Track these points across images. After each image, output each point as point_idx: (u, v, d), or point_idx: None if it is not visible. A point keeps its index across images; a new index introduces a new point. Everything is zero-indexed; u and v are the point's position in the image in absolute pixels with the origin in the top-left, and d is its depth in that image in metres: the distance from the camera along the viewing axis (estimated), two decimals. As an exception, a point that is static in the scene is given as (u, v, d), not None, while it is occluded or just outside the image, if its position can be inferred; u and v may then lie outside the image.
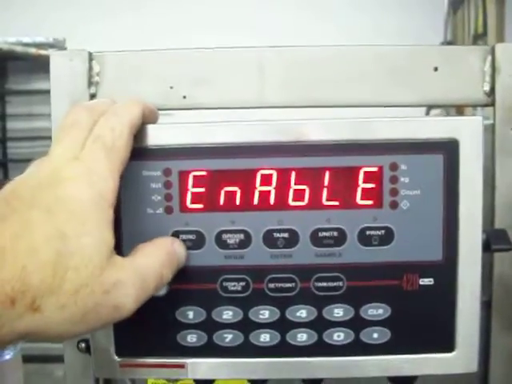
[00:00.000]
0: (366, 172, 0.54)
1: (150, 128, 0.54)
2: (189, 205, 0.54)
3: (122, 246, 0.53)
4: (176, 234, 0.55)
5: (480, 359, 0.57)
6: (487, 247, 0.56)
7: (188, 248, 0.55)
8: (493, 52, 0.65)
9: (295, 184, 0.54)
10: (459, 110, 2.54)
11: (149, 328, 0.56)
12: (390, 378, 0.61)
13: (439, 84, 0.66)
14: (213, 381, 0.60)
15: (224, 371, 0.57)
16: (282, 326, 0.56)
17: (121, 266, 0.47)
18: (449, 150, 0.54)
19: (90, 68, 0.67)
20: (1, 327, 0.42)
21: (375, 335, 0.56)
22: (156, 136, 0.54)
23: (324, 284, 0.55)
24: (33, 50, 3.36)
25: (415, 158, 0.54)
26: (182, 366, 0.57)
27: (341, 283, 0.55)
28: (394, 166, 0.54)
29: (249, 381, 0.61)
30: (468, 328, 0.56)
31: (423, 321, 0.56)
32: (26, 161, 0.50)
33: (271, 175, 0.54)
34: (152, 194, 0.54)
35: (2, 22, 4.24)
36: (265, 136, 0.54)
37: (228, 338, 0.56)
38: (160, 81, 0.67)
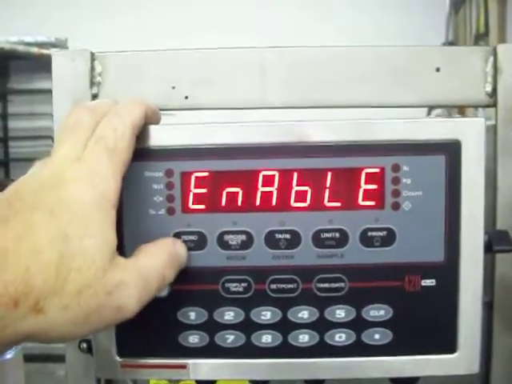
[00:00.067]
0: (367, 173, 0.54)
1: (153, 129, 0.54)
2: (191, 206, 0.54)
3: (124, 246, 0.53)
4: (178, 235, 0.55)
5: (481, 360, 0.57)
6: (489, 248, 0.56)
7: (190, 249, 0.55)
8: (495, 53, 0.65)
9: (297, 185, 0.54)
10: (461, 110, 2.53)
11: (151, 329, 0.56)
12: (392, 379, 0.61)
13: (441, 85, 0.66)
14: (214, 381, 0.60)
15: (226, 372, 0.57)
16: (284, 326, 0.56)
17: (123, 267, 0.47)
18: (451, 151, 0.54)
19: (92, 68, 0.67)
20: (4, 328, 0.42)
21: (377, 336, 0.56)
22: (158, 137, 0.54)
23: (326, 285, 0.55)
24: (35, 50, 3.36)
25: (417, 159, 0.54)
26: (183, 367, 0.57)
27: (343, 284, 0.55)
28: (395, 167, 0.54)
29: (250, 382, 0.61)
30: (470, 329, 0.55)
31: (425, 322, 0.56)
32: (28, 160, 0.50)
33: (273, 176, 0.54)
34: (154, 195, 0.54)
35: (4, 22, 4.24)
36: (267, 137, 0.54)
37: (230, 338, 0.56)
38: (162, 81, 0.67)
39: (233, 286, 0.55)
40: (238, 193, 0.54)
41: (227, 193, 0.54)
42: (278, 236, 0.55)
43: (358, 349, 0.56)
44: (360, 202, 0.54)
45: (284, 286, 0.55)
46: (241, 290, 0.55)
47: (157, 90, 0.67)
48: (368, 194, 0.54)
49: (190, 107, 0.67)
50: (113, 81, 0.67)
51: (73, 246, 0.44)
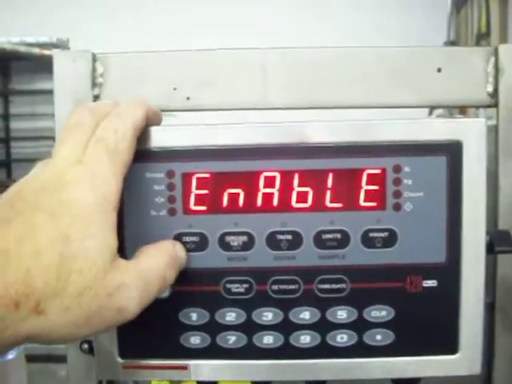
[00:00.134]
0: (369, 174, 0.54)
1: (154, 130, 0.54)
2: (192, 207, 0.54)
3: (125, 248, 0.53)
4: (179, 236, 0.55)
5: (483, 361, 0.57)
6: (491, 249, 0.56)
7: (191, 250, 0.55)
8: (496, 53, 0.65)
9: (298, 186, 0.54)
10: (462, 110, 2.54)
11: (152, 330, 0.56)
12: (394, 380, 0.61)
13: (442, 85, 0.66)
14: (216, 383, 0.60)
15: (227, 373, 0.57)
16: (286, 327, 0.56)
17: (124, 269, 0.47)
18: (452, 151, 0.54)
19: (94, 69, 0.67)
20: (5, 330, 0.42)
21: (379, 337, 0.56)
22: (159, 138, 0.54)
23: (327, 286, 0.55)
24: (36, 50, 3.37)
25: (418, 160, 0.54)
26: (185, 368, 0.57)
27: (344, 285, 0.55)
28: (397, 168, 0.54)
29: (252, 383, 0.61)
30: (471, 330, 0.55)
31: (427, 323, 0.56)
32: (29, 160, 0.50)
33: (274, 177, 0.54)
34: (155, 196, 0.54)
35: (6, 22, 4.25)
36: (268, 138, 0.54)
37: (231, 339, 0.56)
38: (163, 82, 0.67)
39: (234, 287, 0.55)
40: (239, 194, 0.54)
41: (228, 194, 0.54)
42: (280, 237, 0.54)
43: (360, 350, 0.56)
44: (361, 202, 0.54)
45: (285, 286, 0.55)
46: (242, 291, 0.55)
47: (158, 90, 0.67)
48: (369, 195, 0.54)
49: (191, 108, 0.67)
50: (114, 82, 0.67)
51: (73, 247, 0.44)
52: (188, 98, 0.67)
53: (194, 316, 0.56)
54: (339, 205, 0.54)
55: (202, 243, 0.55)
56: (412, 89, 0.66)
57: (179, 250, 0.54)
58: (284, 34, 3.43)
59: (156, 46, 0.68)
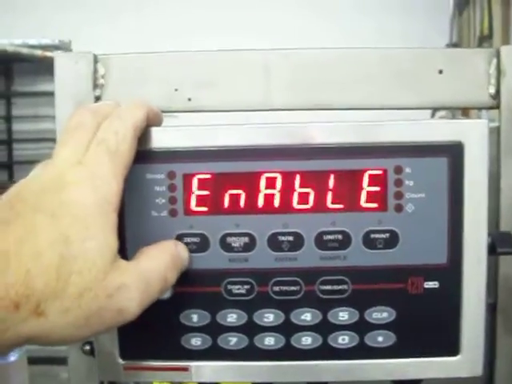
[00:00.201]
0: (370, 175, 0.54)
1: (154, 131, 0.54)
2: (193, 208, 0.54)
3: (126, 249, 0.53)
4: (180, 237, 0.54)
5: (485, 362, 0.57)
6: (492, 250, 0.56)
7: (192, 251, 0.54)
8: (498, 54, 0.65)
9: (300, 187, 0.54)
10: (465, 112, 2.53)
11: (153, 331, 0.56)
12: (395, 382, 0.61)
13: (444, 86, 0.66)
14: (217, 384, 0.60)
15: (228, 374, 0.57)
16: (287, 329, 0.56)
17: (125, 270, 0.47)
18: (454, 152, 0.54)
19: (95, 70, 0.67)
20: (5, 331, 0.42)
21: (380, 339, 0.56)
22: (160, 139, 0.54)
23: (329, 287, 0.55)
24: (38, 52, 3.37)
25: (420, 161, 0.54)
26: (186, 369, 0.57)
27: (345, 286, 0.55)
28: (398, 169, 0.53)
29: (253, 384, 0.61)
30: (473, 331, 0.55)
31: (428, 324, 0.55)
32: (32, 162, 0.50)
33: (276, 178, 0.54)
34: (156, 197, 0.54)
35: (8, 24, 4.25)
36: (269, 139, 0.54)
37: (232, 341, 0.56)
38: (165, 83, 0.67)
39: (235, 289, 0.55)
40: (240, 195, 0.54)
41: (230, 195, 0.54)
42: (281, 238, 0.54)
43: (361, 351, 0.56)
44: (363, 203, 0.54)
45: (287, 288, 0.55)
46: (243, 292, 0.55)
47: (159, 92, 0.67)
48: (371, 196, 0.54)
49: (192, 109, 0.67)
50: (116, 83, 0.67)
51: (74, 248, 0.44)
52: (189, 99, 0.67)
53: (195, 317, 0.56)
54: (340, 206, 0.54)
55: (203, 244, 0.55)
56: (414, 90, 0.66)
57: (181, 250, 0.54)
58: (287, 35, 3.42)
59: (158, 48, 0.68)
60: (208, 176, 0.54)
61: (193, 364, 0.57)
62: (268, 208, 0.54)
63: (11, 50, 3.35)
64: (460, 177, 0.54)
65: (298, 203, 0.54)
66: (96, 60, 0.67)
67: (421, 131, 0.54)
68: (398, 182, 0.54)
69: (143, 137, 0.53)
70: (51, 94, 0.66)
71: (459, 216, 0.54)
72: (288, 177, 0.54)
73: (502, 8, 3.18)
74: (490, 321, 0.63)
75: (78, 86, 0.66)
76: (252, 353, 0.56)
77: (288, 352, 0.56)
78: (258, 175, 0.54)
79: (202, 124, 0.55)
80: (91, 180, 0.47)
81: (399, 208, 0.54)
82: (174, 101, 0.67)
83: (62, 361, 0.69)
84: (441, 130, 0.54)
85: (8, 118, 3.67)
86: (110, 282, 0.46)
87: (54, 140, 0.57)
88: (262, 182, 0.54)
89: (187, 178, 0.54)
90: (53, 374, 2.22)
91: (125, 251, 0.53)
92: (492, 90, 0.65)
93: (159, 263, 0.51)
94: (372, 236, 0.54)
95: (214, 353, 0.56)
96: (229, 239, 0.55)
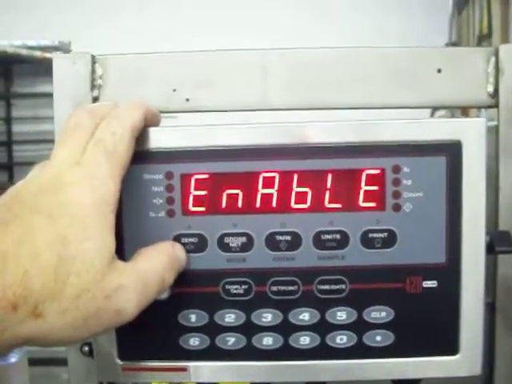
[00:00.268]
0: (368, 174, 0.54)
1: (152, 131, 0.54)
2: (191, 208, 0.54)
3: (124, 249, 0.53)
4: (178, 238, 0.54)
5: (484, 361, 0.57)
6: (491, 249, 0.56)
7: (190, 251, 0.54)
8: (496, 53, 0.65)
9: (297, 186, 0.54)
10: (464, 111, 2.53)
11: (151, 331, 0.56)
12: (394, 381, 0.61)
13: (443, 85, 0.66)
14: (216, 384, 0.60)
15: (227, 374, 0.57)
16: (285, 329, 0.56)
17: (122, 271, 0.47)
18: (452, 151, 0.53)
19: (93, 71, 0.67)
20: (2, 332, 0.42)
21: (378, 338, 0.55)
22: (158, 139, 0.54)
23: (327, 287, 0.55)
24: (38, 53, 3.37)
25: (418, 160, 0.53)
26: (184, 370, 0.57)
27: (344, 286, 0.55)
28: (396, 169, 0.53)
29: (252, 384, 0.61)
30: (472, 330, 0.55)
31: (427, 323, 0.55)
32: (31, 164, 0.50)
33: (273, 178, 0.54)
34: (154, 198, 0.54)
35: (8, 25, 4.26)
36: (266, 138, 0.54)
37: (231, 341, 0.56)
38: (163, 83, 0.67)
39: (233, 289, 0.55)
40: (238, 195, 0.54)
41: (227, 195, 0.54)
42: (279, 238, 0.54)
43: (360, 351, 0.56)
44: (361, 203, 0.54)
45: (285, 288, 0.55)
46: (241, 292, 0.55)
47: (158, 92, 0.67)
48: (369, 196, 0.54)
49: (191, 109, 0.67)
50: (114, 83, 0.67)
51: (72, 249, 0.44)
52: (187, 100, 0.67)
53: (193, 317, 0.56)
54: (338, 205, 0.54)
55: (200, 244, 0.55)
56: (412, 89, 0.66)
57: (179, 251, 0.54)
58: (285, 35, 3.42)
59: (158, 49, 0.68)
60: (205, 176, 0.54)
61: (191, 364, 0.57)
62: (266, 208, 0.54)
63: (11, 51, 3.35)
64: (458, 176, 0.54)
65: (296, 203, 0.54)
66: (94, 60, 0.67)
67: (418, 130, 0.54)
68: (396, 182, 0.54)
69: (141, 137, 0.53)
70: (51, 96, 0.66)
71: (457, 215, 0.54)
72: (286, 176, 0.54)
73: (501, 7, 3.18)
74: (489, 320, 0.63)
75: (76, 86, 0.66)
76: (250, 353, 0.56)
77: (286, 352, 0.56)
78: (255, 175, 0.54)
79: (200, 124, 0.55)
80: (89, 180, 0.47)
81: (397, 207, 0.54)
82: (173, 101, 0.67)
83: (62, 362, 0.69)
84: (439, 129, 0.54)
85: (8, 120, 3.67)
86: (108, 283, 0.46)
87: (53, 141, 0.57)
88: (260, 182, 0.54)
89: (185, 178, 0.54)
90: (53, 375, 2.22)
91: (123, 252, 0.53)
92: (490, 89, 0.65)
93: (157, 264, 0.51)
94: (370, 235, 0.54)
95: (213, 353, 0.56)
96: (226, 239, 0.54)
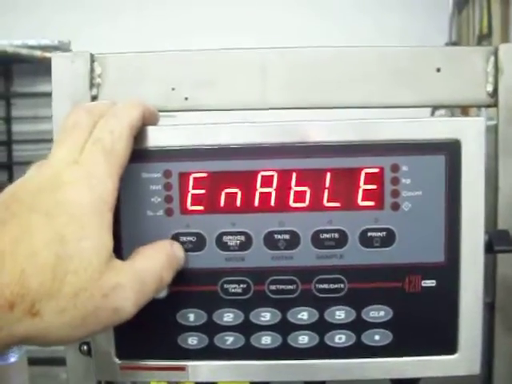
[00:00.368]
0: (367, 173, 0.53)
1: (150, 130, 0.54)
2: (189, 207, 0.54)
3: (122, 248, 0.53)
4: (176, 236, 0.54)
5: (483, 361, 0.57)
6: (490, 248, 0.56)
7: (189, 250, 0.54)
8: (496, 53, 0.65)
9: (296, 185, 0.54)
10: (464, 110, 2.53)
11: (149, 330, 0.56)
12: (393, 381, 0.60)
13: (442, 85, 0.66)
14: (214, 383, 0.60)
15: (225, 374, 0.57)
16: (284, 328, 0.56)
17: (120, 270, 0.47)
18: (451, 150, 0.53)
19: (92, 70, 0.67)
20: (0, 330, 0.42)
21: (377, 337, 0.55)
22: (156, 138, 0.54)
23: (325, 286, 0.55)
24: (38, 53, 3.37)
25: (417, 159, 0.53)
26: (182, 369, 0.56)
27: (342, 285, 0.55)
28: (395, 167, 0.53)
29: (250, 383, 0.61)
30: (471, 330, 0.55)
31: (425, 323, 0.55)
32: (31, 163, 0.50)
33: (272, 177, 0.54)
34: (152, 196, 0.54)
35: (8, 25, 4.25)
36: (265, 137, 0.54)
37: (229, 340, 0.56)
38: (162, 82, 0.67)
39: (232, 288, 0.55)
40: (236, 193, 0.54)
41: (226, 193, 0.54)
42: (277, 237, 0.54)
43: (358, 350, 0.56)
44: (359, 202, 0.54)
45: (283, 287, 0.55)
46: (240, 291, 0.55)
47: (156, 91, 0.67)
48: (367, 195, 0.54)
49: (189, 108, 0.67)
50: (112, 82, 0.67)
51: (69, 248, 0.44)
52: (186, 99, 0.67)
53: (192, 317, 0.56)
54: (337, 204, 0.54)
55: (199, 243, 0.54)
56: (412, 88, 0.66)
57: (177, 249, 0.54)
58: (285, 34, 3.43)
59: (157, 48, 0.68)
60: (204, 175, 0.54)
61: (189, 363, 0.57)
62: (264, 206, 0.54)
63: (11, 50, 3.35)
64: (457, 175, 0.53)
65: (295, 202, 0.54)
66: (93, 59, 0.67)
67: (417, 129, 0.54)
68: (395, 180, 0.53)
69: (139, 136, 0.53)
70: (51, 95, 0.66)
71: (456, 214, 0.54)
72: (284, 175, 0.54)
73: (501, 7, 3.18)
74: (488, 319, 0.63)
75: (74, 85, 0.66)
76: (249, 352, 0.56)
77: (285, 351, 0.56)
78: (254, 174, 0.54)
79: (198, 123, 0.55)
80: (87, 179, 0.47)
81: (396, 206, 0.54)
82: (171, 100, 0.67)
83: (61, 361, 0.69)
84: (438, 128, 0.54)
85: (8, 119, 3.66)
86: (106, 281, 0.46)
87: (53, 141, 0.57)
88: (258, 181, 0.54)
89: (183, 177, 0.54)
90: (53, 375, 2.22)
91: (120, 250, 0.53)
92: (490, 88, 0.65)
93: (155, 263, 0.51)
94: (369, 234, 0.54)
95: (211, 352, 0.56)
96: (225, 238, 0.54)
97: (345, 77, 0.66)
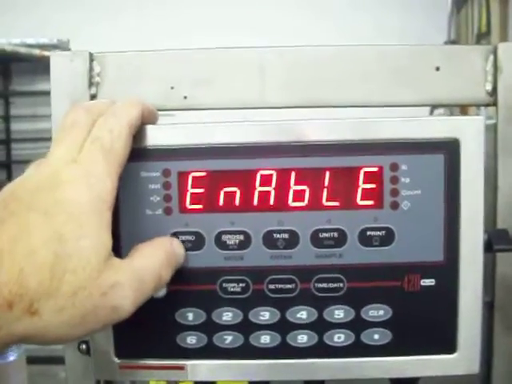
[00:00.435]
0: (366, 172, 0.53)
1: (149, 128, 0.54)
2: (188, 205, 0.54)
3: (121, 247, 0.53)
4: (175, 235, 0.54)
5: (482, 360, 0.57)
6: (489, 247, 0.55)
7: (187, 249, 0.54)
8: (495, 51, 0.65)
9: (295, 184, 0.54)
10: (463, 109, 2.53)
11: (148, 329, 0.56)
12: (392, 380, 0.60)
13: (441, 83, 0.65)
14: (213, 383, 0.60)
15: (224, 373, 0.57)
16: (283, 327, 0.56)
17: (118, 268, 0.47)
18: (450, 149, 0.53)
19: (91, 69, 0.67)
20: None
21: (376, 336, 0.55)
22: (155, 136, 0.54)
23: (324, 285, 0.55)
24: (36, 52, 3.36)
25: (416, 158, 0.53)
26: (181, 368, 0.56)
27: (341, 284, 0.55)
28: (394, 167, 0.53)
29: (249, 383, 0.61)
30: (470, 329, 0.55)
31: (425, 322, 0.55)
32: (30, 162, 0.50)
33: (271, 175, 0.54)
34: (151, 195, 0.54)
35: (6, 24, 4.25)
36: (264, 136, 0.54)
37: (228, 339, 0.56)
38: (161, 81, 0.67)
39: (231, 287, 0.55)
40: (235, 192, 0.54)
41: (225, 192, 0.54)
42: (276, 236, 0.54)
43: (358, 349, 0.56)
44: (358, 201, 0.54)
45: (282, 286, 0.55)
46: (239, 290, 0.55)
47: (155, 89, 0.67)
48: (366, 194, 0.54)
49: (188, 107, 0.67)
50: (111, 81, 0.67)
51: (68, 246, 0.44)
52: (185, 97, 0.67)
53: (191, 316, 0.56)
54: (336, 203, 0.54)
55: (198, 242, 0.54)
56: (411, 87, 0.66)
57: (176, 246, 0.53)
58: (284, 33, 3.42)
59: (157, 47, 0.68)
60: (203, 174, 0.54)
61: (188, 363, 0.56)
62: (263, 206, 0.54)
63: (9, 49, 3.34)
64: (456, 174, 0.53)
65: (294, 201, 0.54)
66: (92, 58, 0.67)
67: (416, 128, 0.54)
68: (394, 179, 0.53)
69: (138, 135, 0.53)
70: (49, 94, 0.66)
71: (455, 213, 0.54)
72: (283, 174, 0.54)
73: (500, 5, 3.18)
74: (487, 319, 0.63)
75: (73, 84, 0.66)
76: (248, 351, 0.56)
77: (284, 350, 0.56)
78: (253, 173, 0.54)
79: (197, 122, 0.55)
80: (86, 178, 0.47)
81: (395, 205, 0.54)
82: (170, 99, 0.67)
83: (60, 360, 0.69)
84: (437, 127, 0.54)
85: (6, 118, 3.66)
86: (104, 280, 0.45)
87: (52, 140, 0.57)
88: (257, 180, 0.54)
89: (182, 176, 0.54)
90: (51, 374, 2.21)
91: (119, 249, 0.53)
92: (489, 87, 0.65)
93: (153, 261, 0.51)
94: (368, 233, 0.54)
95: (210, 351, 0.56)
96: (224, 237, 0.54)
97: (344, 76, 0.66)
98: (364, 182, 0.54)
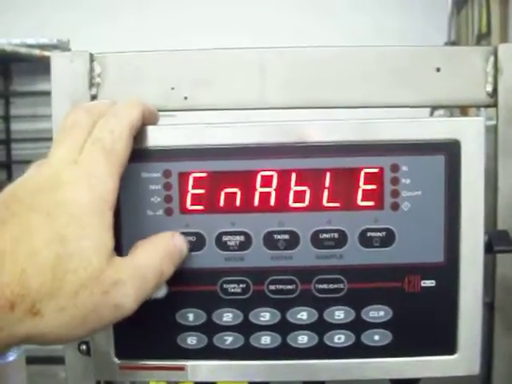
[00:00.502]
0: (366, 173, 0.53)
1: (150, 129, 0.54)
2: (189, 206, 0.54)
3: (122, 248, 0.53)
4: None
5: (483, 361, 0.57)
6: (489, 249, 0.56)
7: (188, 250, 0.54)
8: (495, 52, 0.64)
9: (296, 185, 0.54)
10: (463, 110, 2.53)
11: (149, 330, 0.56)
12: (392, 381, 0.60)
13: (441, 84, 0.65)
14: (214, 383, 0.60)
15: (224, 374, 0.57)
16: (283, 328, 0.56)
17: (119, 266, 0.47)
18: (450, 150, 0.53)
19: (91, 69, 0.66)
20: (0, 331, 0.42)
21: (376, 337, 0.55)
22: (156, 137, 0.54)
23: (325, 286, 0.55)
24: (37, 52, 3.36)
25: (416, 159, 0.53)
26: (182, 369, 0.56)
27: (342, 285, 0.55)
28: (394, 167, 0.53)
29: (250, 383, 0.61)
30: (470, 330, 0.55)
31: (425, 323, 0.55)
32: (30, 162, 0.50)
33: (271, 176, 0.54)
34: (152, 196, 0.54)
35: (6, 24, 4.25)
36: (265, 137, 0.54)
37: (228, 340, 0.56)
38: (161, 82, 0.67)
39: (231, 287, 0.55)
40: (236, 193, 0.54)
41: (225, 193, 0.54)
42: (277, 237, 0.54)
43: (358, 350, 0.56)
44: (359, 202, 0.54)
45: (283, 287, 0.55)
46: (239, 291, 0.55)
47: (156, 90, 0.67)
48: (367, 195, 0.54)
49: (189, 108, 0.67)
50: (112, 82, 0.67)
51: (70, 247, 0.44)
52: (186, 98, 0.67)
53: (191, 316, 0.56)
54: (336, 204, 0.54)
55: (198, 243, 0.54)
56: (411, 88, 0.66)
57: (178, 241, 0.53)
58: (284, 33, 3.42)
59: (157, 47, 0.68)
60: (204, 174, 0.54)
61: (189, 363, 0.56)
62: (264, 206, 0.54)
63: (9, 49, 3.34)
64: (457, 175, 0.54)
65: (294, 201, 0.54)
66: (92, 59, 0.67)
67: (417, 129, 0.54)
68: (395, 180, 0.53)
69: (139, 135, 0.53)
70: (50, 94, 0.66)
71: (456, 214, 0.54)
72: (284, 175, 0.54)
73: (500, 6, 3.18)
74: (487, 320, 0.63)
75: (74, 84, 0.66)
76: (248, 352, 0.56)
77: (284, 351, 0.56)
78: (253, 173, 0.54)
79: (198, 123, 0.55)
80: (87, 179, 0.47)
81: (395, 206, 0.54)
82: (171, 99, 0.67)
83: (60, 360, 0.69)
84: (437, 128, 0.54)
85: (6, 118, 3.66)
86: (106, 278, 0.46)
87: (52, 140, 0.57)
88: (258, 181, 0.54)
89: (183, 177, 0.54)
90: (51, 374, 2.21)
91: (121, 250, 0.52)
92: (489, 88, 0.65)
93: (155, 258, 0.50)
94: (368, 234, 0.54)
95: (210, 352, 0.56)
96: (224, 238, 0.54)
97: (344, 76, 0.66)
98: (364, 183, 0.54)
